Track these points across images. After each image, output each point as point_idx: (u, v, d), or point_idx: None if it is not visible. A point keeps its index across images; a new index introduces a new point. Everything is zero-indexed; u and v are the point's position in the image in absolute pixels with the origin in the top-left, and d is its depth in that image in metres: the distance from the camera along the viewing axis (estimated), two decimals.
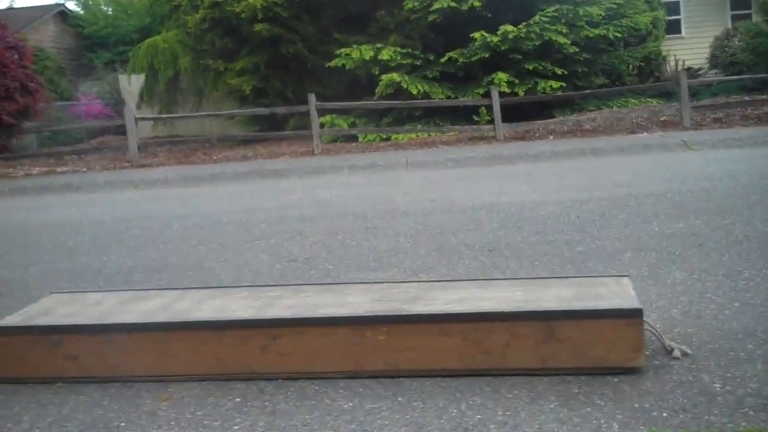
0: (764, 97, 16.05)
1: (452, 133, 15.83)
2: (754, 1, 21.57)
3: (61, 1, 30.39)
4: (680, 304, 3.53)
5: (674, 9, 22.06)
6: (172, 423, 2.60)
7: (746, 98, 16.45)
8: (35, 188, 12.64)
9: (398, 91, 16.32)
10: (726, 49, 19.16)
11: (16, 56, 15.99)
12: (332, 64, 17.03)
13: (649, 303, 3.55)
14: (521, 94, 16.06)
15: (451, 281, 3.45)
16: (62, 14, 29.62)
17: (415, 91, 16.07)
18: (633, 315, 2.73)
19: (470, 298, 3.02)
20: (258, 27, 17.61)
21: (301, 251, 5.52)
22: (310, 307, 3.05)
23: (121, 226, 7.44)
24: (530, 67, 16.31)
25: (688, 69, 18.21)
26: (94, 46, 28.87)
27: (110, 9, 30.96)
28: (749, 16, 21.74)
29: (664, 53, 19.96)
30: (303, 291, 3.35)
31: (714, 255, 4.48)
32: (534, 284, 3.21)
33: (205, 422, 2.59)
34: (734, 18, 21.76)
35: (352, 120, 16.92)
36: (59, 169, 15.65)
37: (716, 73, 19.33)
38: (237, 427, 2.53)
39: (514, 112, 15.52)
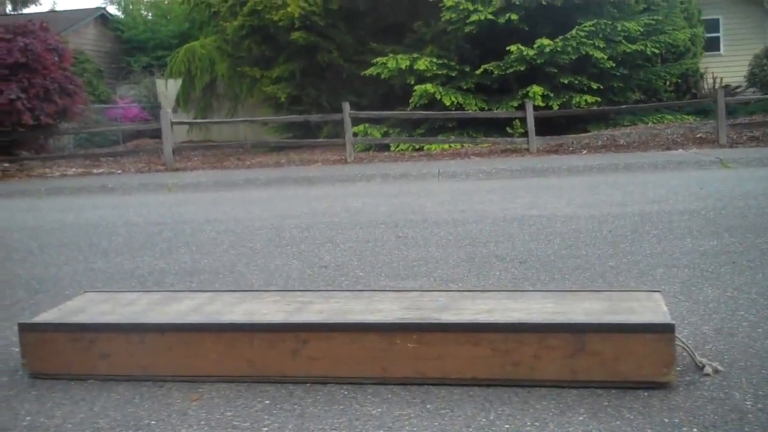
0: None
1: (485, 145, 15.82)
2: None
3: (102, 5, 30.86)
4: (712, 321, 3.50)
5: (714, 26, 21.91)
6: (202, 423, 2.63)
7: None
8: (71, 189, 12.79)
9: (432, 102, 16.35)
10: (765, 67, 18.98)
11: (56, 58, 16.21)
12: (367, 72, 17.10)
13: (681, 319, 3.53)
14: (556, 107, 16.03)
15: (481, 291, 3.44)
16: (103, 18, 30.05)
17: (448, 102, 16.09)
18: (665, 330, 2.71)
19: (500, 308, 3.02)
20: (295, 35, 17.74)
21: (332, 258, 5.55)
22: (341, 313, 3.06)
23: (154, 229, 7.51)
24: (566, 81, 16.28)
25: (726, 86, 18.08)
26: (132, 50, 29.24)
27: (150, 14, 31.39)
28: None
29: (701, 70, 19.84)
30: (333, 297, 3.37)
31: (747, 273, 4.44)
32: (565, 297, 3.20)
33: (235, 423, 2.61)
34: None
35: (385, 129, 16.97)
36: (95, 171, 15.84)
37: (754, 92, 19.15)
38: (266, 428, 2.55)
39: (548, 126, 15.49)
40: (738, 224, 6.10)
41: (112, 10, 32.10)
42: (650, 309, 2.91)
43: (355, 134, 15.75)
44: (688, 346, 2.96)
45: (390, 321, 2.93)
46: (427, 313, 2.99)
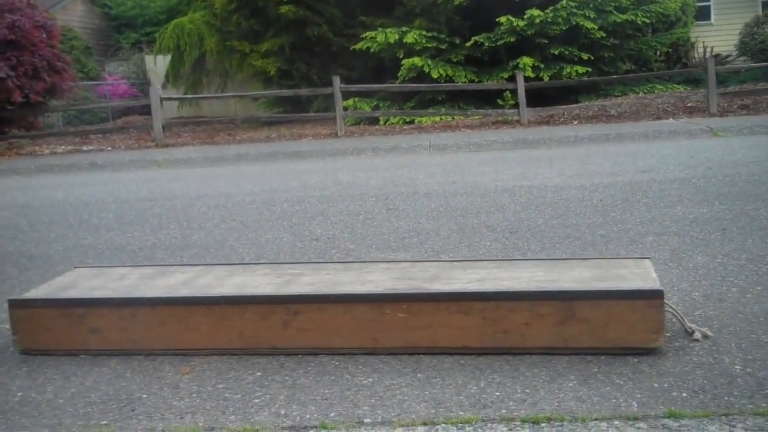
0: None
1: (476, 117, 15.79)
2: None
3: None
4: (702, 288, 3.52)
5: None
6: (194, 395, 2.63)
7: None
8: (61, 166, 12.74)
9: (421, 75, 16.28)
10: (755, 36, 18.94)
11: (44, 35, 16.06)
12: (357, 47, 17.02)
13: (671, 286, 3.54)
14: (546, 78, 15.99)
15: (471, 261, 3.45)
16: None
17: (436, 75, 16.03)
18: (653, 296, 2.72)
19: (490, 277, 3.02)
20: (284, 9, 17.62)
21: (322, 231, 5.55)
22: (331, 284, 3.06)
23: (144, 205, 7.49)
24: (556, 52, 16.23)
25: (717, 56, 18.03)
26: (121, 27, 29.02)
27: None
28: None
29: (692, 40, 19.78)
30: (324, 269, 3.37)
31: (737, 239, 4.45)
32: (555, 265, 3.21)
33: (227, 395, 2.62)
34: (764, 5, 21.50)
35: (375, 103, 16.92)
36: (85, 148, 15.76)
37: (745, 60, 19.12)
38: (258, 400, 2.56)
39: (539, 97, 15.45)
40: (728, 192, 6.12)
41: None
42: (639, 276, 2.92)
43: (345, 108, 15.69)
44: (677, 312, 2.97)
45: (380, 291, 2.94)
46: (418, 283, 3.00)
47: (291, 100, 18.90)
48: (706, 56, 17.40)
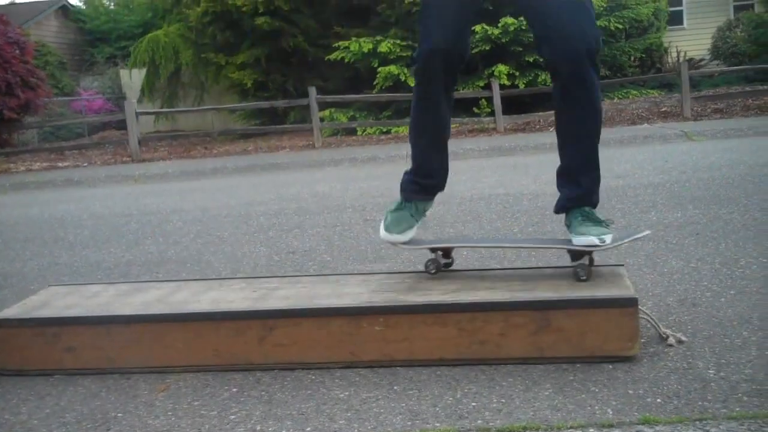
0: (765, 87, 16.04)
1: (453, 126, 15.79)
2: None
3: None
4: (676, 293, 3.54)
5: (676, 0, 22.02)
6: (170, 413, 2.61)
7: (747, 89, 16.46)
8: (36, 183, 12.66)
9: (397, 84, 16.33)
10: (728, 39, 19.14)
11: (17, 51, 16.03)
12: (331, 57, 17.08)
13: (646, 291, 3.56)
14: (522, 86, 16.08)
15: (447, 272, 3.45)
16: (64, 9, 29.68)
17: (413, 84, 16.06)
18: (628, 304, 2.73)
19: (466, 288, 3.03)
20: (259, 21, 17.65)
21: (299, 243, 5.54)
22: (307, 298, 3.06)
23: (120, 221, 7.45)
24: (531, 59, 16.33)
25: (690, 60, 18.20)
26: (95, 41, 28.93)
27: (112, 4, 31.02)
28: (751, 6, 21.72)
29: (665, 44, 19.97)
30: (300, 282, 3.36)
31: (711, 244, 4.49)
32: (530, 274, 3.22)
33: (203, 412, 2.60)
34: (736, 9, 21.74)
35: (352, 113, 16.96)
36: (60, 164, 15.68)
37: (718, 64, 19.30)
38: (234, 416, 2.55)
39: (515, 104, 15.54)
40: (702, 196, 6.16)
41: (74, 1, 31.71)
42: (614, 283, 2.94)
43: (321, 119, 15.71)
44: (652, 318, 2.99)
45: (357, 305, 2.93)
46: (394, 296, 3.00)
47: (268, 112, 18.91)
48: (680, 61, 17.55)
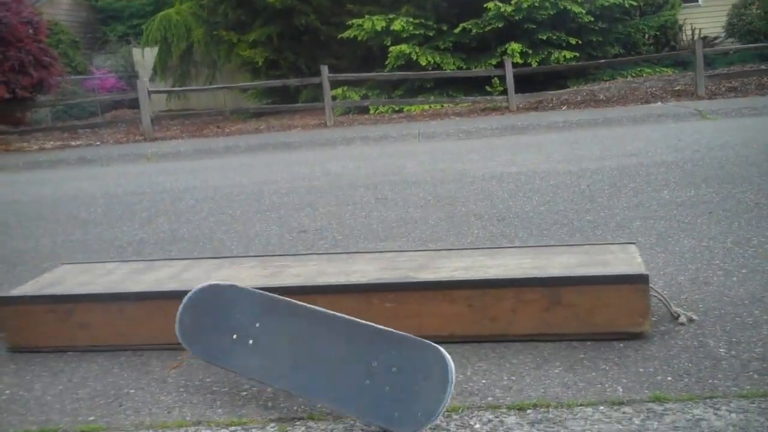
0: None
1: (465, 104, 15.78)
2: None
3: None
4: (688, 271, 3.53)
5: None
6: (181, 389, 2.64)
7: (762, 67, 16.31)
8: (49, 162, 12.70)
9: (409, 63, 16.26)
10: (743, 17, 18.93)
11: (30, 30, 16.00)
12: (344, 35, 16.99)
13: (657, 270, 3.56)
14: (535, 64, 15.97)
15: (458, 249, 3.45)
16: None
17: (425, 62, 16.01)
18: (639, 281, 2.73)
19: (477, 265, 3.03)
20: None
21: (311, 222, 5.55)
22: (318, 276, 3.07)
23: (133, 199, 7.48)
24: (544, 37, 16.20)
25: (705, 38, 18.02)
26: (108, 20, 28.84)
27: None
28: None
29: (680, 22, 19.75)
30: (311, 260, 3.37)
31: (723, 222, 4.47)
32: (541, 252, 3.21)
33: (214, 389, 2.62)
34: None
35: (364, 92, 16.89)
36: (73, 143, 15.72)
37: (733, 42, 19.12)
38: (245, 393, 2.56)
39: (528, 83, 15.45)
40: (715, 174, 6.13)
41: None
42: (625, 261, 2.93)
43: (334, 98, 15.66)
44: (663, 297, 2.99)
45: (367, 282, 2.94)
46: (404, 273, 3.00)
47: (280, 91, 18.84)
48: (694, 38, 17.39)
